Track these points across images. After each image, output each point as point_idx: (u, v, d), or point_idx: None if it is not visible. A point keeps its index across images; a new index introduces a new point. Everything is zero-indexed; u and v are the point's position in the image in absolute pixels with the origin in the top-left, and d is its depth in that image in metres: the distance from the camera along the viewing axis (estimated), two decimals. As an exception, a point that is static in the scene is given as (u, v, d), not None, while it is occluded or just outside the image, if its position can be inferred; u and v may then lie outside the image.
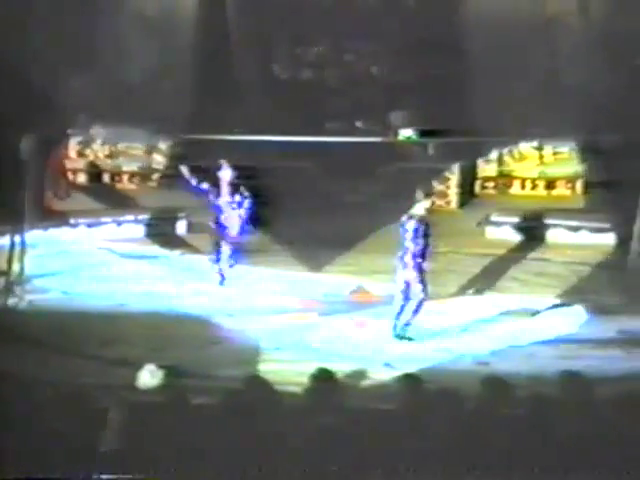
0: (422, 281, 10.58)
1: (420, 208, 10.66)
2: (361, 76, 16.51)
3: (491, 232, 14.02)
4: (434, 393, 7.30)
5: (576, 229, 13.83)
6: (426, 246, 10.59)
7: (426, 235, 10.57)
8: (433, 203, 11.06)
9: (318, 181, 14.85)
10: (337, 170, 14.82)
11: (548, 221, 14.00)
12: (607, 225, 13.50)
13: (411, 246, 10.52)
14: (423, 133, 15.76)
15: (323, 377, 7.49)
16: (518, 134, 15.30)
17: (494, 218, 14.14)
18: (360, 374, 9.64)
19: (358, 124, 16.27)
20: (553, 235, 13.92)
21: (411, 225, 10.52)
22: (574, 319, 11.30)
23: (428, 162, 15.60)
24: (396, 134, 15.90)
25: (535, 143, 15.39)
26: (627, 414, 6.79)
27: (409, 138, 15.82)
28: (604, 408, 6.96)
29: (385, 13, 15.95)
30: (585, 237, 13.75)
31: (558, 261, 13.20)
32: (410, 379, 7.77)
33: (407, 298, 10.60)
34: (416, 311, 10.62)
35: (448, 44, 15.57)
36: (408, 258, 10.56)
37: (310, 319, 11.31)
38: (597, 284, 12.37)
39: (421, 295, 10.58)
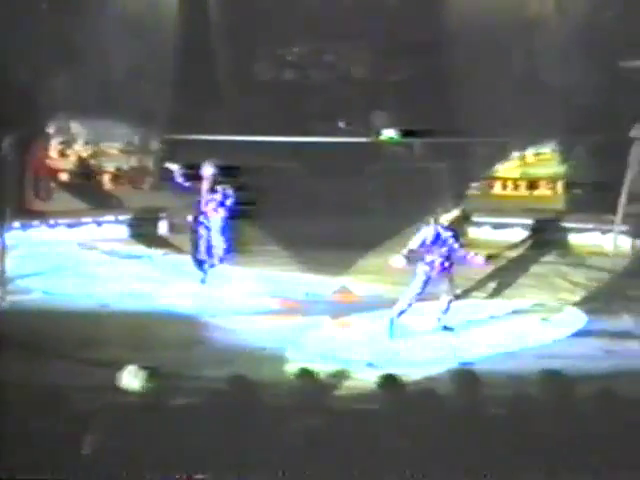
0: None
1: (446, 218, 10.82)
2: (343, 76, 16.54)
3: (473, 232, 14.08)
4: (415, 393, 7.32)
5: (557, 229, 13.92)
6: (451, 251, 10.71)
7: (452, 241, 10.71)
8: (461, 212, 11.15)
9: (301, 181, 14.87)
10: (320, 170, 14.84)
11: (529, 221, 14.09)
12: (588, 225, 13.59)
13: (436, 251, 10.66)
14: (406, 133, 15.80)
15: (306, 377, 7.48)
16: (501, 134, 15.36)
17: (475, 218, 14.20)
18: (343, 374, 9.64)
19: (341, 124, 16.29)
20: (534, 235, 14.00)
21: (433, 232, 10.69)
22: (557, 319, 11.35)
23: (412, 162, 15.65)
24: (379, 134, 15.93)
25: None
26: (606, 413, 6.83)
27: (392, 138, 15.85)
28: (585, 407, 7.00)
29: (367, 13, 15.96)
30: (566, 237, 13.85)
31: (540, 261, 13.29)
32: (392, 380, 7.78)
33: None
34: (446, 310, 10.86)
35: (430, 44, 15.61)
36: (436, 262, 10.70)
37: (293, 319, 11.31)
38: (578, 284, 12.45)
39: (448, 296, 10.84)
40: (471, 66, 15.28)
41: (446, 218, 10.80)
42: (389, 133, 15.90)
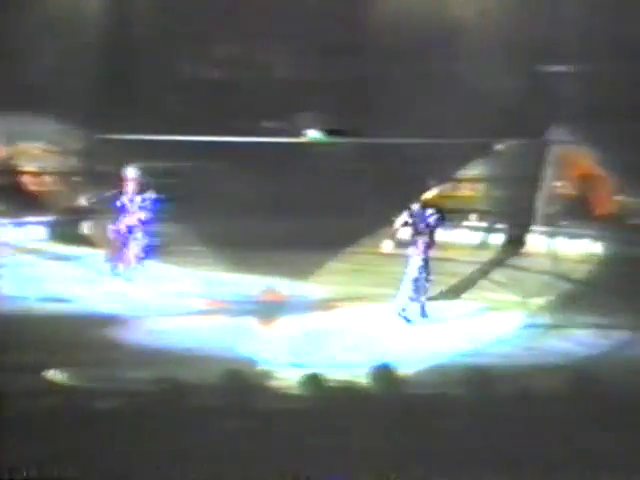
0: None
1: (427, 196, 11.33)
2: (268, 76, 16.52)
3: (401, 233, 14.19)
4: (339, 391, 7.37)
5: (477, 229, 14.13)
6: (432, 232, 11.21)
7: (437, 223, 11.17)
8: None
9: (227, 181, 14.81)
10: (246, 170, 14.81)
11: (452, 221, 14.27)
12: (506, 225, 13.80)
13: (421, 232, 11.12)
14: (331, 133, 15.86)
15: (232, 378, 7.48)
16: (424, 135, 15.51)
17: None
18: (268, 374, 9.62)
19: (266, 124, 16.27)
20: (457, 235, 14.18)
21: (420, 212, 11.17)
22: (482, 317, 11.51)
23: (337, 162, 15.71)
24: (304, 134, 15.97)
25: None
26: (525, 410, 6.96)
27: (317, 138, 15.90)
28: (505, 404, 7.12)
29: (292, 14, 15.98)
30: (486, 237, 14.06)
31: (462, 261, 13.46)
32: (315, 379, 7.82)
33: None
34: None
35: (355, 46, 15.70)
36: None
37: (219, 320, 11.26)
38: (500, 282, 12.63)
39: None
40: (394, 68, 15.43)
41: (427, 196, 11.25)
42: (314, 133, 15.95)
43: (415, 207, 11.25)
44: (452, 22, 15.84)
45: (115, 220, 12.20)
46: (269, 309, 11.54)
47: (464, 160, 15.36)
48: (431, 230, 11.24)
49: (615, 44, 14.08)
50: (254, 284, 12.33)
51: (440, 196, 11.60)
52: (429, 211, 11.23)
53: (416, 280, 11.17)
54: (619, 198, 14.21)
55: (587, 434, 6.59)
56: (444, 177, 13.32)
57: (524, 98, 14.75)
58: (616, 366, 9.46)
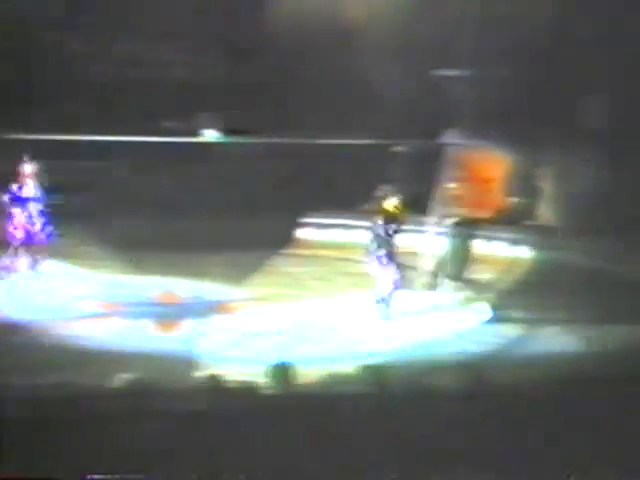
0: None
1: (389, 205, 11.53)
2: (168, 76, 16.40)
3: (302, 233, 14.32)
4: (239, 390, 7.40)
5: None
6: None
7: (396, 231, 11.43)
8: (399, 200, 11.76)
9: (125, 181, 14.66)
10: (146, 170, 14.68)
11: (350, 222, 14.44)
12: (405, 227, 13.97)
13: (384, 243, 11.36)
14: (230, 133, 15.84)
15: (131, 381, 7.43)
16: (324, 135, 15.63)
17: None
18: (168, 376, 9.55)
19: (165, 124, 16.15)
20: (356, 236, 14.36)
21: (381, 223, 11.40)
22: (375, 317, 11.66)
23: (237, 162, 15.70)
24: (202, 134, 15.91)
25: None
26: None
27: (216, 138, 15.85)
28: (402, 403, 7.22)
29: (191, 14, 15.90)
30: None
31: (362, 260, 13.61)
32: (216, 379, 7.82)
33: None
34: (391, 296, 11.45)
35: (254, 46, 15.72)
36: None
37: (115, 322, 11.14)
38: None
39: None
40: (295, 68, 15.50)
41: (388, 205, 11.55)
42: (214, 133, 15.90)
43: (375, 222, 11.49)
44: (351, 24, 16.00)
45: (9, 219, 11.97)
46: (167, 311, 11.46)
47: (366, 160, 15.51)
48: (390, 239, 11.46)
49: (506, 48, 14.44)
50: (152, 286, 12.21)
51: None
52: (387, 221, 11.47)
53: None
54: (511, 199, 14.58)
55: (482, 432, 6.73)
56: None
57: (420, 101, 15.00)
58: (509, 363, 9.72)
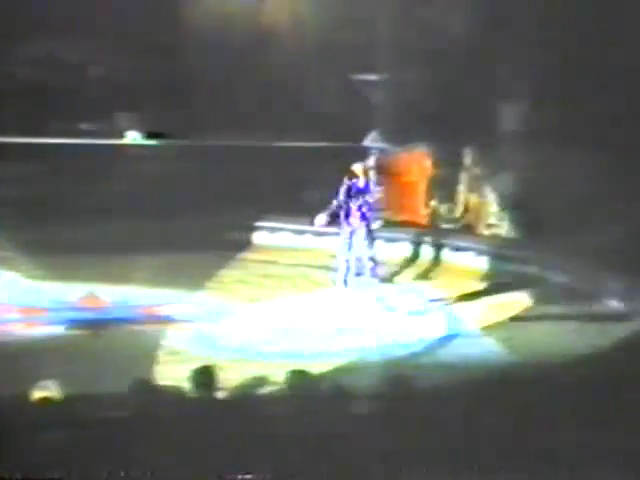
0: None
1: (357, 168, 11.90)
2: (86, 76, 16.21)
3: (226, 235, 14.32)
4: (165, 395, 7.37)
5: (302, 232, 14.37)
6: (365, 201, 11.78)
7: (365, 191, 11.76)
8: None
9: (45, 184, 14.45)
10: (64, 173, 14.49)
11: (278, 224, 14.51)
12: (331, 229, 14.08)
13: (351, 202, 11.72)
14: (150, 136, 15.73)
15: (47, 390, 7.36)
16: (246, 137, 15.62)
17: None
18: (89, 383, 9.44)
19: (83, 126, 15.97)
20: (280, 238, 14.41)
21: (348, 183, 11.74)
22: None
23: (158, 164, 15.61)
24: (123, 136, 15.76)
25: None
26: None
27: (137, 140, 15.72)
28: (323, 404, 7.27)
29: (110, 13, 15.73)
30: (310, 241, 14.31)
31: (283, 263, 13.67)
32: (142, 384, 7.77)
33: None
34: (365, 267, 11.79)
35: (173, 47, 15.64)
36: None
37: (36, 328, 10.96)
38: (319, 284, 12.88)
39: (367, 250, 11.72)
40: (214, 70, 15.47)
41: (357, 168, 11.84)
42: (134, 135, 15.76)
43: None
44: (269, 27, 16.07)
45: None
46: (90, 315, 11.31)
47: (287, 161, 15.57)
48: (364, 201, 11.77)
49: (426, 51, 14.67)
50: (73, 290, 12.04)
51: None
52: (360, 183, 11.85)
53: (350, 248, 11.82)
54: (431, 203, 14.79)
55: (398, 433, 6.81)
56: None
57: (341, 105, 15.14)
58: (433, 366, 9.87)
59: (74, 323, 11.11)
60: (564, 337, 10.54)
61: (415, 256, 13.76)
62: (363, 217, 11.87)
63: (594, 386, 7.17)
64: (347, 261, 12.00)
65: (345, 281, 12.02)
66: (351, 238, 11.93)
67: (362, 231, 11.90)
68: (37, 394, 7.65)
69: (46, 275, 12.39)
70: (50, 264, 12.50)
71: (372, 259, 11.96)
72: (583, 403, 6.84)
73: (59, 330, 10.93)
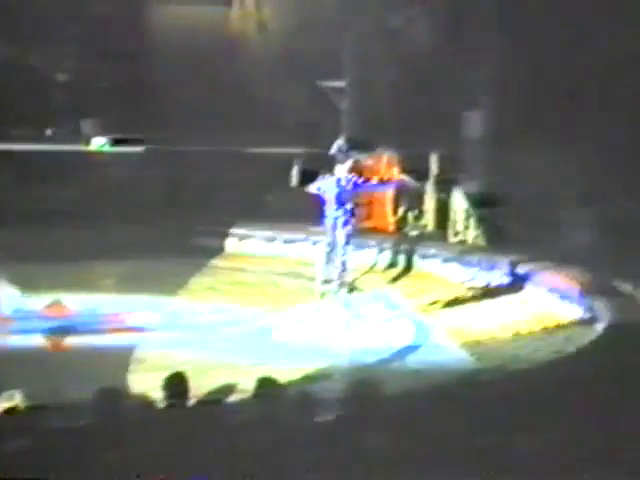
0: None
1: (342, 169, 11.85)
2: (51, 82, 16.13)
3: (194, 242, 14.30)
4: (132, 402, 7.33)
5: (271, 239, 14.38)
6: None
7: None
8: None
9: (9, 190, 14.34)
10: (29, 179, 14.39)
11: (246, 232, 14.49)
12: (302, 236, 14.10)
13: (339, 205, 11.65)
14: (116, 142, 15.67)
15: (13, 400, 7.28)
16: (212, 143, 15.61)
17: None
18: (55, 392, 9.35)
19: (48, 131, 15.88)
20: (250, 245, 14.41)
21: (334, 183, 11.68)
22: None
23: (124, 170, 15.56)
24: (89, 142, 15.70)
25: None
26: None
27: (102, 146, 15.66)
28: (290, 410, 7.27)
29: (75, 18, 15.68)
30: (278, 248, 14.32)
31: (253, 270, 13.66)
32: (109, 393, 7.71)
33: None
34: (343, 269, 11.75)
35: (141, 53, 15.62)
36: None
37: (1, 338, 10.82)
38: (289, 292, 12.89)
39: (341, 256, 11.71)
40: (179, 76, 15.46)
41: (343, 169, 11.82)
42: (99, 141, 15.70)
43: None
44: (237, 34, 16.10)
45: None
46: (56, 324, 11.21)
47: (255, 167, 15.58)
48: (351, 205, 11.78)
49: (392, 58, 14.76)
50: (39, 298, 11.91)
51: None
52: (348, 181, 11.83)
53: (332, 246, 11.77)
54: (398, 210, 14.84)
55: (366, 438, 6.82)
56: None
57: (308, 111, 15.19)
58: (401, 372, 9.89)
59: (40, 332, 10.99)
60: (529, 344, 10.61)
61: (383, 263, 13.80)
62: (345, 223, 11.83)
63: (559, 391, 7.24)
64: (325, 269, 11.93)
65: (322, 288, 11.95)
66: (333, 249, 11.86)
67: (342, 237, 11.84)
68: (2, 404, 7.57)
69: (10, 283, 12.25)
70: (14, 272, 12.35)
71: (343, 264, 11.93)
72: (548, 408, 6.90)
73: (25, 339, 10.80)
